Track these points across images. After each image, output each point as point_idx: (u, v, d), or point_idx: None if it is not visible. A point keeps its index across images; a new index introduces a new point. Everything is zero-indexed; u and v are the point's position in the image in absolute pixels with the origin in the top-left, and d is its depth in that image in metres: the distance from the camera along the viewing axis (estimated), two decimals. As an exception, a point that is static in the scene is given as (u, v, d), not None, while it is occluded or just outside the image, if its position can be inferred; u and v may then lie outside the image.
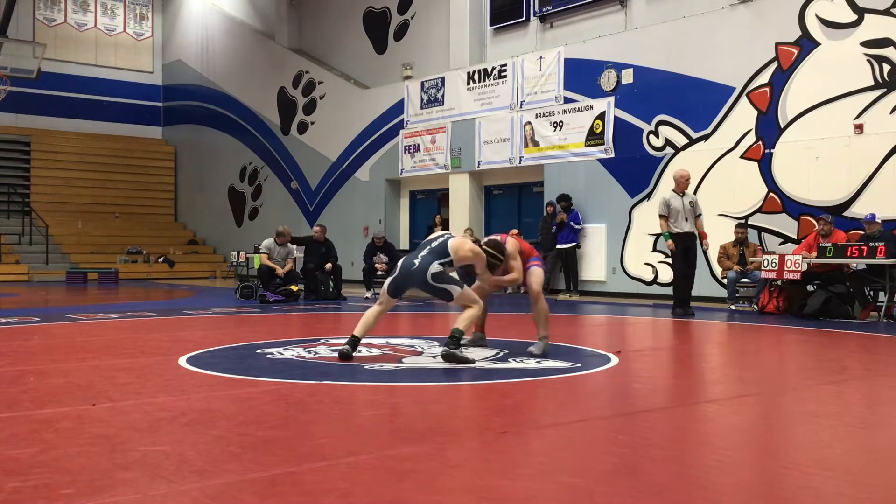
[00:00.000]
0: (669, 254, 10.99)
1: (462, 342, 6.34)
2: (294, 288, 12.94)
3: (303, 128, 21.59)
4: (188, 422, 3.99)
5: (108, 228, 24.71)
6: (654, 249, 13.61)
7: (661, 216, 10.61)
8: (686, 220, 10.53)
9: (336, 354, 6.27)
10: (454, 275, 6.46)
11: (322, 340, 7.28)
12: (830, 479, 3.19)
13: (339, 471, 3.14)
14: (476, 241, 6.61)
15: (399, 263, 6.42)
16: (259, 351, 6.58)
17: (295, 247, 14.14)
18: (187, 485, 2.94)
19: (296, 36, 22.30)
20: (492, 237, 6.85)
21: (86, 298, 14.52)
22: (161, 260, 23.27)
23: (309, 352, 6.53)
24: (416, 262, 6.27)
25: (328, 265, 13.60)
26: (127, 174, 26.19)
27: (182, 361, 5.95)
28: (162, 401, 4.53)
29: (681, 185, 10.65)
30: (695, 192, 13.10)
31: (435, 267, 6.18)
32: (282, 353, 6.41)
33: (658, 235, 12.95)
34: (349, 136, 19.90)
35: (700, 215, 10.74)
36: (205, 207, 25.79)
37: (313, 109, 21.24)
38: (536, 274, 6.69)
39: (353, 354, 6.14)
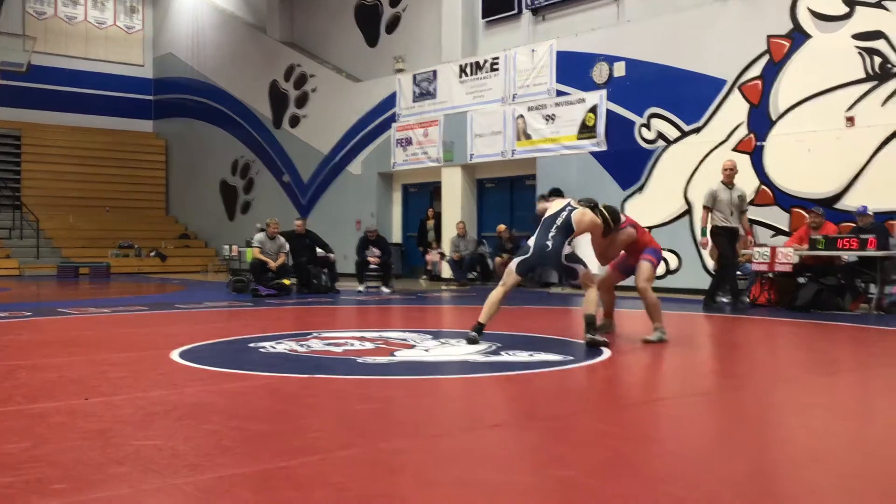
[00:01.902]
0: (708, 249, 10.55)
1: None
2: (286, 282, 12.91)
3: (295, 121, 21.53)
4: (181, 416, 3.98)
5: (99, 222, 24.62)
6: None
7: (704, 207, 10.26)
8: (732, 213, 10.14)
9: (329, 348, 6.27)
10: (579, 253, 6.82)
11: (314, 334, 7.27)
12: (824, 471, 3.20)
13: (332, 464, 3.14)
14: (593, 207, 6.85)
15: (532, 243, 6.66)
16: (251, 345, 6.57)
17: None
18: (180, 479, 2.94)
19: (287, 29, 22.22)
20: (611, 206, 7.12)
21: (77, 293, 14.47)
22: (153, 254, 23.20)
23: (301, 345, 6.52)
24: (549, 242, 6.55)
25: (331, 255, 13.59)
26: (118, 168, 26.08)
27: (174, 356, 5.94)
28: (154, 395, 4.52)
29: (728, 177, 10.26)
30: (686, 186, 13.16)
31: (567, 249, 6.57)
32: (274, 347, 6.40)
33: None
34: (341, 130, 19.86)
35: (745, 211, 10.40)
36: (196, 201, 25.71)
37: (305, 103, 21.18)
38: (643, 269, 6.93)
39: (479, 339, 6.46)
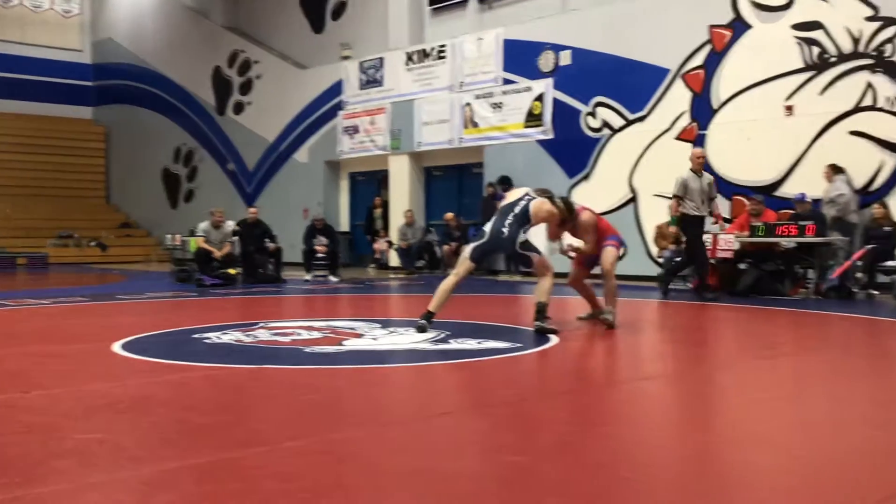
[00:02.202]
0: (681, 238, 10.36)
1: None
2: (232, 271, 12.74)
3: (239, 108, 21.21)
4: (123, 409, 3.90)
5: (37, 212, 23.95)
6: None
7: (675, 197, 10.07)
8: (703, 202, 10.04)
9: (276, 338, 6.20)
10: (534, 241, 6.87)
11: (261, 324, 7.19)
12: (765, 452, 3.27)
13: (279, 455, 3.10)
14: (550, 198, 6.95)
15: (488, 230, 6.70)
16: (196, 336, 6.46)
17: (233, 229, 13.92)
18: (123, 473, 2.88)
19: (231, 14, 21.85)
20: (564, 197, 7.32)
21: (14, 284, 14.08)
22: (93, 244, 22.67)
23: (248, 336, 6.44)
24: (505, 230, 6.60)
25: (272, 245, 13.42)
26: (56, 156, 25.35)
27: (116, 347, 5.81)
28: (96, 388, 4.42)
29: (699, 165, 10.17)
30: (631, 173, 13.32)
31: (522, 236, 6.63)
32: (220, 338, 6.31)
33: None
34: (287, 117, 19.63)
35: (714, 197, 10.32)
36: (138, 190, 25.18)
37: (250, 89, 20.88)
38: (608, 253, 7.10)
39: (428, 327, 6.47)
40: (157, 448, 3.21)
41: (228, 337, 6.36)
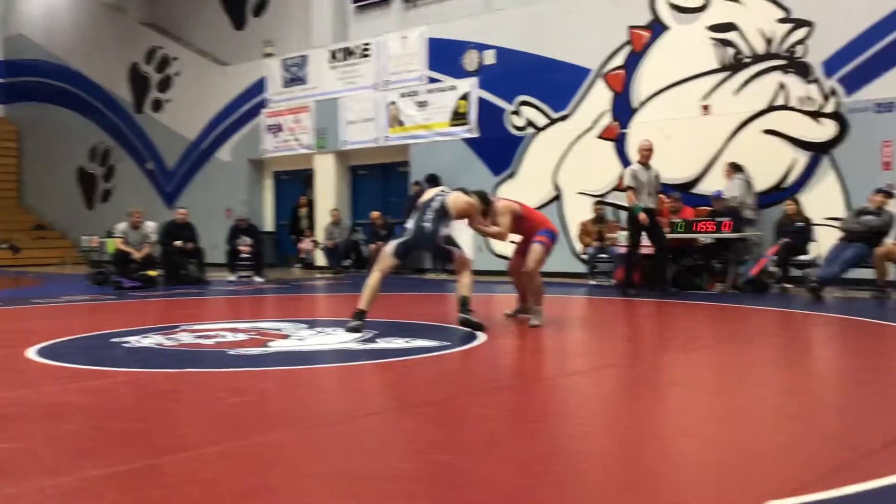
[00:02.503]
0: (629, 230, 10.32)
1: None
2: (152, 273, 12.43)
3: (157, 106, 20.70)
4: (39, 417, 3.77)
5: (-57, 213, 22.94)
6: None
7: (629, 188, 10.03)
8: (650, 195, 10.05)
9: (199, 341, 6.08)
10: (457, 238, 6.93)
11: (183, 327, 7.03)
12: (686, 443, 3.36)
13: (203, 461, 3.04)
14: (464, 191, 7.03)
15: (411, 227, 6.74)
16: (115, 340, 6.28)
17: (152, 230, 13.58)
18: (40, 483, 2.78)
19: (148, 9, 21.30)
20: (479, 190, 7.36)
21: (-81, 289, 13.44)
22: (5, 246, 21.79)
23: (169, 339, 6.29)
24: (427, 224, 6.66)
25: (178, 242, 13.07)
26: (-37, 155, 24.33)
27: (31, 353, 5.61)
28: (9, 395, 4.25)
29: (645, 157, 10.16)
30: (555, 171, 13.50)
31: (443, 230, 6.69)
32: (140, 342, 6.15)
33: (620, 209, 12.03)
34: (208, 115, 19.24)
35: (661, 191, 10.40)
36: (52, 190, 24.31)
37: (168, 87, 20.39)
38: (533, 251, 7.05)
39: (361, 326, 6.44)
40: (75, 457, 3.11)
41: (149, 341, 6.20)
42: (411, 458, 3.14)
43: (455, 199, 6.80)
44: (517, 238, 7.47)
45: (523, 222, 7.23)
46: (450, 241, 6.74)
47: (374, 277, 6.69)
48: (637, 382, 4.95)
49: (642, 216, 9.90)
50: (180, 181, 20.12)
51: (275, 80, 17.76)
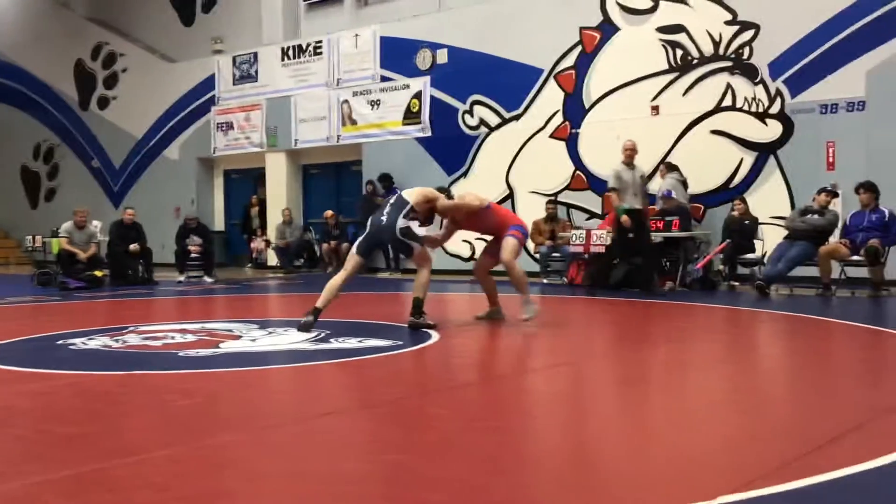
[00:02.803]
0: (613, 230, 10.13)
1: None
2: (98, 273, 12.18)
3: (104, 103, 20.28)
4: (-20, 422, 3.66)
5: None
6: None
7: (612, 189, 9.91)
8: (636, 195, 9.88)
9: (147, 342, 5.97)
10: (419, 231, 6.87)
11: (131, 328, 6.90)
12: (636, 440, 3.39)
13: (152, 464, 2.98)
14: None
15: (368, 223, 6.78)
16: (60, 342, 6.14)
17: (98, 229, 13.30)
18: (-20, 491, 2.69)
19: (94, 5, 20.86)
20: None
21: None
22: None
23: (116, 341, 6.17)
24: (384, 218, 6.65)
25: (134, 246, 12.84)
26: None
27: (-29, 357, 5.45)
28: (-52, 401, 4.12)
29: (629, 157, 9.98)
30: (508, 171, 13.55)
31: (402, 222, 6.60)
32: (86, 344, 6.01)
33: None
34: (156, 113, 18.91)
35: (646, 193, 10.24)
36: (-6, 189, 23.69)
37: (115, 83, 19.99)
38: (507, 243, 6.92)
39: (312, 327, 6.36)
40: (19, 462, 3.03)
41: (95, 342, 6.07)
42: (366, 458, 3.12)
43: (412, 191, 6.85)
44: (485, 237, 7.42)
45: (492, 218, 7.11)
46: (409, 233, 6.67)
47: (337, 278, 6.66)
48: (589, 380, 4.99)
49: (624, 218, 9.70)
50: (127, 180, 19.75)
51: (225, 78, 17.53)
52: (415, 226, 6.84)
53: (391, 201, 6.79)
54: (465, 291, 11.03)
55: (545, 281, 12.09)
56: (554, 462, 3.14)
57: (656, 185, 11.46)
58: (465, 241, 13.99)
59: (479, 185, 13.71)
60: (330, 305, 6.51)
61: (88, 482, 2.78)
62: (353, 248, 6.82)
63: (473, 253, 13.97)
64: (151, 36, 19.52)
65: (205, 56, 18.01)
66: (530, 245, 12.76)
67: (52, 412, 3.88)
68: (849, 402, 4.10)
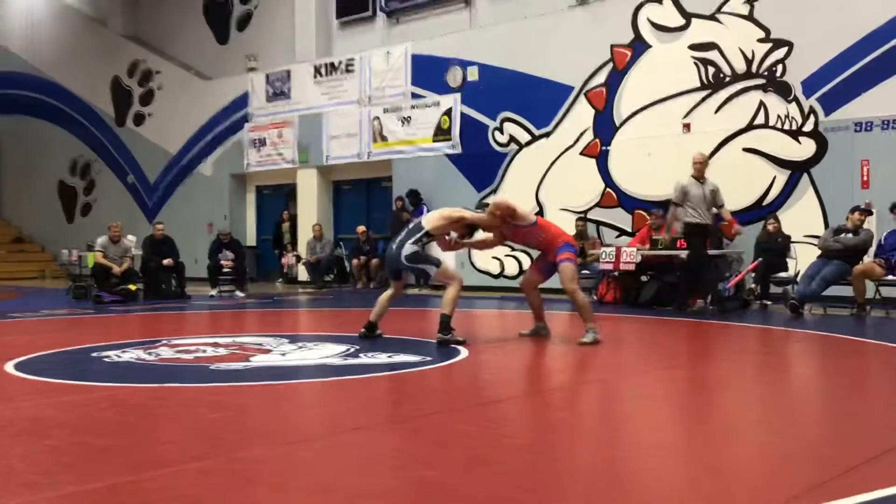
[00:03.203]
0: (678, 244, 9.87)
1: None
2: (132, 287, 12.33)
3: (139, 119, 20.62)
4: (17, 432, 3.72)
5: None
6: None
7: (673, 203, 9.63)
8: (707, 210, 9.49)
9: (179, 355, 6.04)
10: (436, 252, 6.95)
11: (164, 341, 6.98)
12: (667, 459, 3.36)
13: (184, 477, 3.01)
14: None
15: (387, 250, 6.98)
16: (95, 354, 6.23)
17: (133, 244, 13.49)
18: (17, 499, 2.74)
19: (131, 23, 21.25)
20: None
21: None
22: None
23: (149, 354, 6.24)
24: (394, 246, 6.75)
25: (167, 260, 13.02)
26: (-59, 167, 24.07)
27: (9, 367, 5.54)
28: (-15, 411, 4.19)
29: (698, 170, 9.61)
30: (538, 188, 13.54)
31: (408, 248, 6.63)
32: (119, 357, 6.10)
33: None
34: (190, 129, 19.18)
35: (723, 206, 9.76)
36: (32, 203, 24.12)
37: (151, 100, 20.33)
38: (564, 270, 6.84)
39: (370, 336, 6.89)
40: (53, 472, 3.07)
41: (129, 355, 6.15)
42: (394, 474, 3.13)
43: (429, 217, 6.90)
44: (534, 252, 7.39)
45: (539, 234, 6.98)
46: (418, 259, 6.70)
47: (386, 293, 7.05)
48: (619, 398, 4.95)
49: (674, 232, 9.39)
50: (162, 195, 20.02)
51: (258, 95, 17.75)
52: (432, 246, 6.90)
53: (409, 227, 6.89)
54: (494, 308, 11.01)
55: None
56: (583, 480, 3.12)
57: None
58: (494, 257, 14.01)
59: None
60: (353, 321, 6.59)
61: (121, 493, 2.82)
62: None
63: (502, 270, 13.97)
64: (187, 53, 19.84)
65: (239, 73, 18.26)
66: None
67: (86, 424, 3.94)
68: (883, 424, 4.03)
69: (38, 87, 23.59)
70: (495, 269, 14.12)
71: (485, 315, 10.35)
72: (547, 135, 13.49)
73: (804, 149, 11.05)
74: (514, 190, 13.77)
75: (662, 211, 11.56)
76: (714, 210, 9.74)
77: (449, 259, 7.67)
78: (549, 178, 13.44)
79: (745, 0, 11.50)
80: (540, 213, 13.48)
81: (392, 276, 7.05)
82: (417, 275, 7.08)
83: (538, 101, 13.48)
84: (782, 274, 10.47)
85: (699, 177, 9.63)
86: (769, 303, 10.33)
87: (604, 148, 12.83)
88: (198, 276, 15.40)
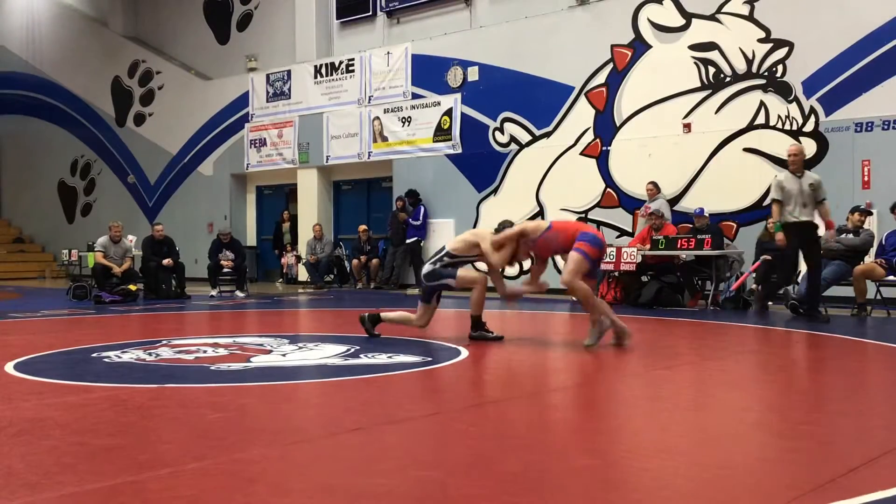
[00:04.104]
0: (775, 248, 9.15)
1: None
2: (132, 287, 12.34)
3: (140, 119, 20.63)
4: (17, 432, 3.72)
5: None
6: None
7: (774, 201, 8.79)
8: (805, 205, 8.64)
9: (180, 356, 6.04)
10: (458, 268, 7.02)
11: (164, 342, 6.98)
12: (668, 460, 3.36)
13: (184, 477, 3.01)
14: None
15: None
16: (95, 355, 6.23)
17: (133, 244, 13.49)
18: (17, 500, 2.73)
19: (131, 23, 21.27)
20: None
21: None
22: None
23: (150, 354, 6.24)
24: (421, 272, 7.14)
25: (167, 260, 13.02)
26: (-58, 167, 24.10)
27: (8, 368, 5.54)
28: (-14, 412, 4.19)
29: (794, 164, 8.80)
30: (538, 188, 13.54)
31: (426, 268, 7.02)
32: (120, 357, 6.09)
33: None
34: (191, 129, 19.20)
35: (824, 200, 8.78)
36: (32, 203, 24.15)
37: (151, 100, 20.34)
38: (569, 261, 6.45)
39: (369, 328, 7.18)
40: (53, 473, 3.07)
41: (129, 355, 6.15)
42: (394, 474, 3.13)
43: (452, 241, 7.15)
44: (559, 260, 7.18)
45: (558, 238, 6.65)
46: (436, 276, 6.96)
47: (410, 316, 7.32)
48: (619, 398, 4.95)
49: (779, 236, 8.66)
50: (162, 195, 20.04)
51: (258, 95, 17.76)
52: (465, 267, 7.07)
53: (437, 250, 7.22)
54: (494, 308, 11.00)
55: (575, 299, 12.00)
56: (583, 480, 3.12)
57: (700, 204, 11.42)
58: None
59: (509, 202, 13.74)
60: (354, 321, 6.58)
61: (122, 494, 2.82)
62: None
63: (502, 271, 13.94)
64: (187, 54, 19.85)
65: (239, 73, 18.27)
66: (560, 262, 12.65)
67: (86, 424, 3.94)
68: (883, 425, 4.03)
69: (38, 87, 23.61)
70: (513, 271, 14.08)
71: (487, 316, 10.33)
72: (547, 135, 13.49)
73: (805, 149, 11.01)
74: (515, 190, 13.79)
75: (662, 211, 11.58)
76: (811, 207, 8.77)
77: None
78: (550, 179, 13.44)
79: (746, 0, 11.50)
80: (540, 213, 13.50)
81: (421, 300, 7.23)
82: (443, 288, 7.07)
83: (538, 101, 13.49)
84: (783, 274, 10.45)
85: (796, 170, 8.79)
86: (770, 303, 10.33)
87: (604, 148, 12.83)
88: (198, 276, 15.41)
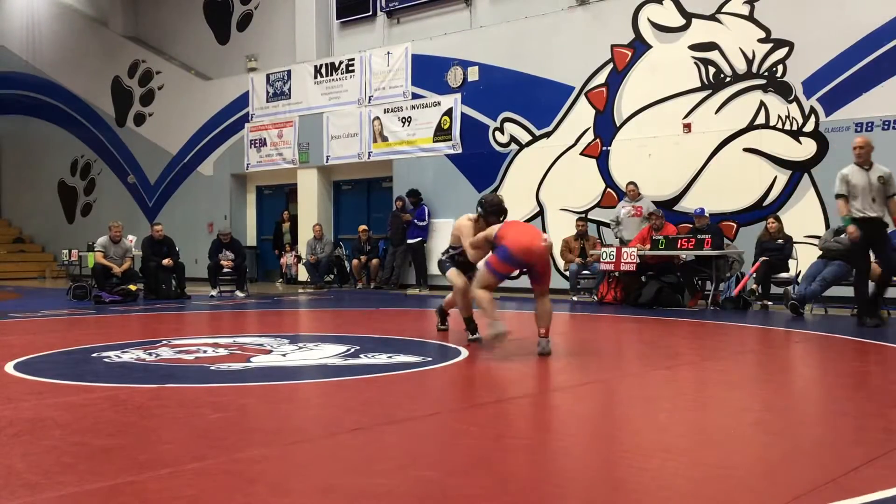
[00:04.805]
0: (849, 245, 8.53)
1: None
2: (132, 287, 12.33)
3: (140, 119, 20.63)
4: (16, 432, 3.72)
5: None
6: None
7: (838, 196, 8.14)
8: (874, 200, 8.02)
9: (180, 356, 6.04)
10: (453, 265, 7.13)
11: (164, 342, 6.98)
12: (667, 459, 3.36)
13: (184, 477, 3.01)
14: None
15: None
16: (95, 355, 6.23)
17: (133, 244, 13.49)
18: (17, 500, 2.74)
19: (131, 23, 21.27)
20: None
21: None
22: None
23: (150, 354, 6.24)
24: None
25: (166, 260, 13.02)
26: (-58, 167, 24.09)
27: (8, 368, 5.54)
28: (-14, 411, 4.19)
29: (860, 156, 8.14)
30: (538, 188, 13.54)
31: (441, 257, 7.25)
32: (120, 357, 6.10)
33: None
34: (191, 129, 19.19)
35: (895, 195, 8.12)
36: (32, 203, 24.14)
37: (151, 100, 20.33)
38: (480, 267, 6.66)
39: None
40: (54, 473, 3.07)
41: (129, 355, 6.15)
42: (394, 474, 3.13)
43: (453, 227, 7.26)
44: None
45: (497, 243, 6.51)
46: (442, 266, 7.17)
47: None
48: (619, 399, 4.95)
49: (850, 229, 8.03)
50: (162, 195, 20.03)
51: (258, 95, 17.75)
52: (455, 271, 7.01)
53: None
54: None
55: (575, 299, 12.04)
56: (583, 480, 3.12)
57: (700, 204, 11.40)
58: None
59: (508, 202, 13.66)
60: (361, 324, 6.55)
61: (121, 494, 2.82)
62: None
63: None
64: (187, 54, 19.85)
65: (239, 73, 18.27)
66: (560, 263, 12.69)
67: (86, 424, 3.94)
68: (883, 425, 4.03)
69: (38, 87, 23.60)
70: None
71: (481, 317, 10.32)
72: (547, 135, 13.48)
73: (805, 149, 11.04)
74: (515, 190, 13.76)
75: (663, 211, 11.58)
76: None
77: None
78: (550, 179, 13.44)
79: (746, 0, 11.50)
80: (541, 213, 13.50)
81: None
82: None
83: (538, 101, 13.48)
84: (783, 274, 10.47)
85: (863, 163, 8.17)
86: (770, 303, 10.33)
87: (604, 148, 12.83)
88: (198, 276, 15.40)
